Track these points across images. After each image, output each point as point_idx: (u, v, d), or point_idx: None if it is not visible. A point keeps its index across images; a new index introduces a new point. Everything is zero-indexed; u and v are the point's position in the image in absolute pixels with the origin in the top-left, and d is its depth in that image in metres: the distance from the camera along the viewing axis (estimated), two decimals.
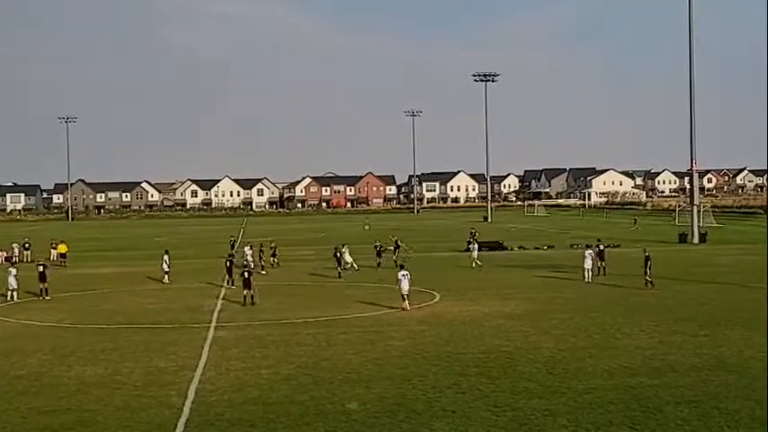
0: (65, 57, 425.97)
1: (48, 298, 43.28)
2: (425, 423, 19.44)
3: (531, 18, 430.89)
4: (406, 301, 37.40)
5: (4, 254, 73.34)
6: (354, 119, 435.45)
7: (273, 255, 60.92)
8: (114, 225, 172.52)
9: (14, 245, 74.57)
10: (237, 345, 29.62)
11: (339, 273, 52.79)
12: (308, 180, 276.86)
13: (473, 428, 18.97)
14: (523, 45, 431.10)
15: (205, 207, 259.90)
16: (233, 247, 72.32)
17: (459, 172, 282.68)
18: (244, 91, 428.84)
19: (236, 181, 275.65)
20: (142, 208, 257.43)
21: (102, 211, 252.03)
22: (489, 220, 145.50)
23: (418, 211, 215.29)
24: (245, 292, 40.17)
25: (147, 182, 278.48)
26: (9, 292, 42.98)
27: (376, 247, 59.10)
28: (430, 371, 24.86)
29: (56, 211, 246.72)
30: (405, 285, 37.58)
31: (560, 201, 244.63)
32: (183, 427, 19.53)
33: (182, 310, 39.09)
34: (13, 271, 44.14)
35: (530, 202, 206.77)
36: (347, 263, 55.29)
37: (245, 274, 40.93)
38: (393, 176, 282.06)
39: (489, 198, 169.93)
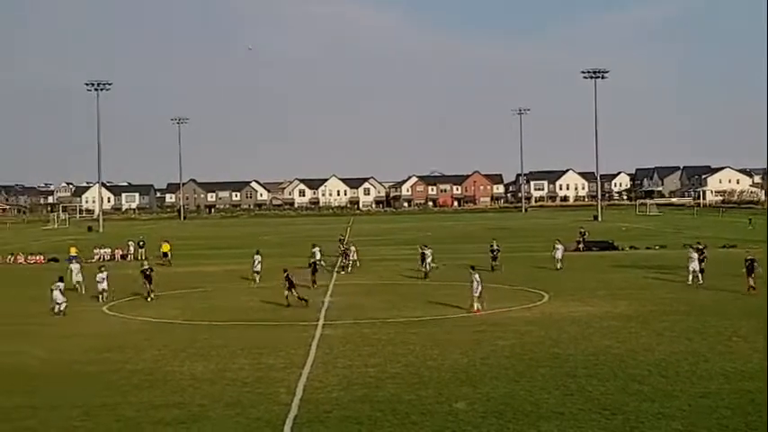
0: (176, 60, 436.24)
1: (152, 297, 43.18)
2: (533, 424, 19.18)
3: (641, 13, 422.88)
4: (477, 304, 36.71)
5: (120, 251, 75.47)
6: (461, 117, 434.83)
7: (345, 255, 58.46)
8: (224, 224, 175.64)
9: (130, 243, 76.61)
10: (344, 343, 29.76)
11: (425, 273, 51.61)
12: (414, 179, 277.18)
13: (582, 431, 18.64)
14: (634, 40, 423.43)
15: (313, 206, 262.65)
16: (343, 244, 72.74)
17: (568, 170, 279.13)
18: (350, 91, 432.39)
19: (344, 180, 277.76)
20: (251, 207, 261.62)
21: (212, 210, 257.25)
22: (599, 219, 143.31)
23: (526, 210, 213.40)
24: (286, 293, 39.24)
25: (256, 181, 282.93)
26: (99, 295, 42.91)
27: (491, 248, 56.75)
28: (538, 372, 24.55)
29: (168, 210, 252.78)
30: (477, 288, 36.92)
31: (673, 200, 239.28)
32: (291, 423, 19.69)
33: (290, 308, 39.45)
34: (103, 275, 43.39)
35: (641, 200, 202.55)
36: (429, 264, 53.95)
37: (290, 275, 39.91)
38: (500, 175, 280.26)
39: (599, 197, 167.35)
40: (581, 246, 71.81)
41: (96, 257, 73.82)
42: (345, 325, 33.96)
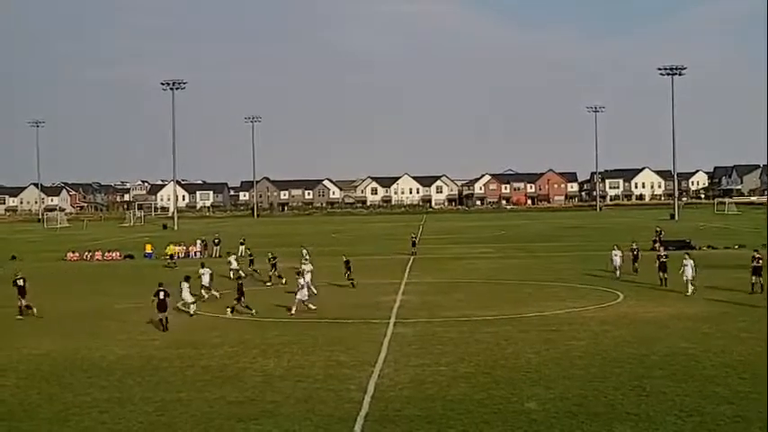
0: (249, 59, 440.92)
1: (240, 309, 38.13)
2: (607, 426, 18.93)
3: (718, 8, 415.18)
4: (295, 306, 37.09)
5: (194, 249, 76.15)
6: (534, 116, 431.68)
7: (273, 267, 51.65)
8: (296, 222, 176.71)
9: (198, 240, 77.63)
10: (416, 341, 29.69)
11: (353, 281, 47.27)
12: (487, 177, 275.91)
13: None
14: (712, 36, 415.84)
15: (385, 204, 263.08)
16: (414, 245, 72.66)
17: (644, 168, 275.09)
18: (421, 89, 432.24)
19: (416, 178, 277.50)
20: (324, 205, 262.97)
21: (285, 208, 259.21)
22: (676, 218, 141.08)
23: (601, 209, 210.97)
24: (159, 315, 33.80)
25: (328, 179, 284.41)
26: None
27: (633, 251, 52.89)
28: (612, 372, 24.23)
29: (242, 207, 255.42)
30: (303, 293, 37.46)
31: (753, 198, 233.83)
32: (362, 421, 19.70)
33: (361, 305, 39.53)
34: None
35: (720, 199, 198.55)
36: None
37: (161, 294, 33.84)
38: (575, 173, 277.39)
39: (676, 195, 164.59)
40: (657, 245, 70.64)
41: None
42: (417, 323, 33.89)
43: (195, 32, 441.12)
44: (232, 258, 54.22)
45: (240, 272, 49.29)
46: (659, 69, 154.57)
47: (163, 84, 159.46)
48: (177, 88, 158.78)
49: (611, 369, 24.64)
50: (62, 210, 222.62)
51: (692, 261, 42.12)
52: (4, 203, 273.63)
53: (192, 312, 37.19)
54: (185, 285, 38.09)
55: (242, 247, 72.36)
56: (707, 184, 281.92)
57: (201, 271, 43.57)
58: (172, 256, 68.23)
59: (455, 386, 22.92)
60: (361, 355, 27.33)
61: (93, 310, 39.54)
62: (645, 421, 19.18)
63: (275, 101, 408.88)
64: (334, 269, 51.51)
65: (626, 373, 24.01)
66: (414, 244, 73.20)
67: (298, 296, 37.48)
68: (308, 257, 54.91)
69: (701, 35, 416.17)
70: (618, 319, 33.98)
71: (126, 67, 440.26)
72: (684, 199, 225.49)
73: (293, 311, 36.71)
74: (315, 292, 42.31)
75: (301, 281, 38.59)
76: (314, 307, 37.47)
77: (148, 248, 76.81)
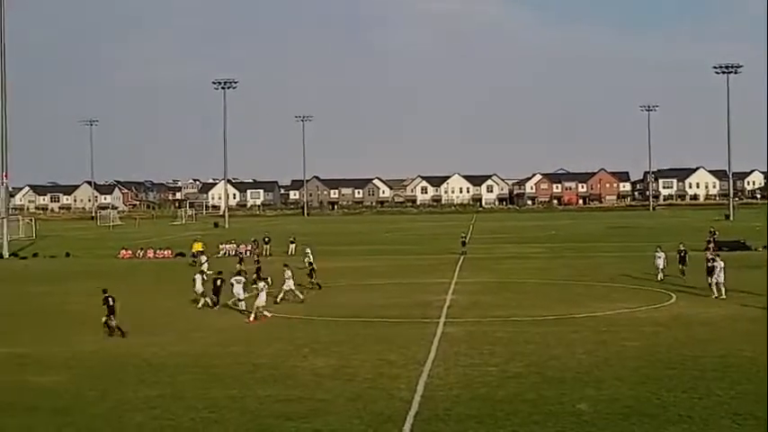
0: (300, 58, 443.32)
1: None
2: (659, 428, 18.69)
3: None
4: (254, 312, 35.41)
5: (245, 247, 76.43)
6: (587, 115, 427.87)
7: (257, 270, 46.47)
8: (346, 221, 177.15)
9: (251, 241, 78.23)
10: (466, 341, 29.57)
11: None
12: (538, 177, 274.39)
13: None
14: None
15: (434, 203, 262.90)
16: (464, 244, 72.47)
17: (698, 168, 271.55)
18: (472, 88, 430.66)
19: (466, 177, 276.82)
20: (374, 204, 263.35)
21: (335, 206, 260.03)
22: (731, 218, 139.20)
23: (654, 209, 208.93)
24: (111, 321, 32.05)
25: (378, 178, 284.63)
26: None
27: (680, 252, 50.89)
28: (665, 374, 23.91)
29: (292, 206, 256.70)
30: (262, 298, 35.77)
31: None
32: (411, 420, 19.63)
33: (411, 305, 39.48)
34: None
35: None
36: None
37: (110, 300, 32.13)
38: (627, 173, 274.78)
39: (731, 195, 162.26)
40: (711, 245, 69.74)
41: (222, 253, 75.40)
42: (467, 323, 33.78)
43: (246, 32, 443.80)
44: (204, 264, 52.57)
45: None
46: (715, 68, 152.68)
47: (214, 83, 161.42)
48: (228, 87, 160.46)
49: (664, 371, 24.34)
50: (115, 208, 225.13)
51: (722, 263, 41.07)
52: (59, 201, 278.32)
53: (243, 308, 37.38)
54: (237, 281, 38.46)
55: (292, 246, 72.88)
56: (763, 184, 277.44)
57: (195, 276, 41.45)
58: (194, 254, 68.40)
59: (505, 386, 22.79)
60: (410, 355, 27.28)
61: (144, 307, 39.87)
62: (698, 424, 18.91)
63: (326, 100, 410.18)
64: (382, 269, 51.43)
65: (679, 375, 23.70)
66: (464, 243, 72.91)
67: (257, 302, 35.58)
68: (311, 257, 54.69)
69: (758, 31, 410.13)
70: (671, 321, 33.59)
71: (178, 66, 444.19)
72: (737, 199, 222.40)
73: (251, 319, 35.22)
74: (301, 297, 41.04)
75: (261, 285, 36.54)
76: (269, 315, 35.75)
77: (198, 247, 77.36)
